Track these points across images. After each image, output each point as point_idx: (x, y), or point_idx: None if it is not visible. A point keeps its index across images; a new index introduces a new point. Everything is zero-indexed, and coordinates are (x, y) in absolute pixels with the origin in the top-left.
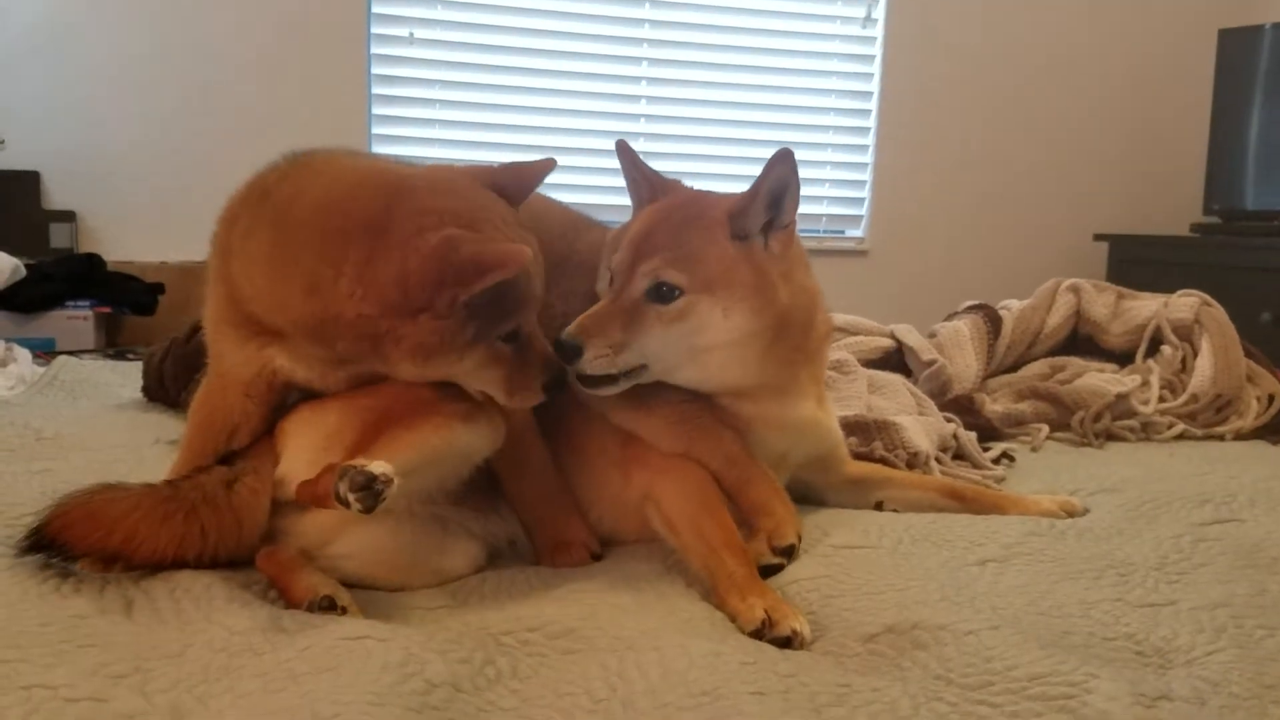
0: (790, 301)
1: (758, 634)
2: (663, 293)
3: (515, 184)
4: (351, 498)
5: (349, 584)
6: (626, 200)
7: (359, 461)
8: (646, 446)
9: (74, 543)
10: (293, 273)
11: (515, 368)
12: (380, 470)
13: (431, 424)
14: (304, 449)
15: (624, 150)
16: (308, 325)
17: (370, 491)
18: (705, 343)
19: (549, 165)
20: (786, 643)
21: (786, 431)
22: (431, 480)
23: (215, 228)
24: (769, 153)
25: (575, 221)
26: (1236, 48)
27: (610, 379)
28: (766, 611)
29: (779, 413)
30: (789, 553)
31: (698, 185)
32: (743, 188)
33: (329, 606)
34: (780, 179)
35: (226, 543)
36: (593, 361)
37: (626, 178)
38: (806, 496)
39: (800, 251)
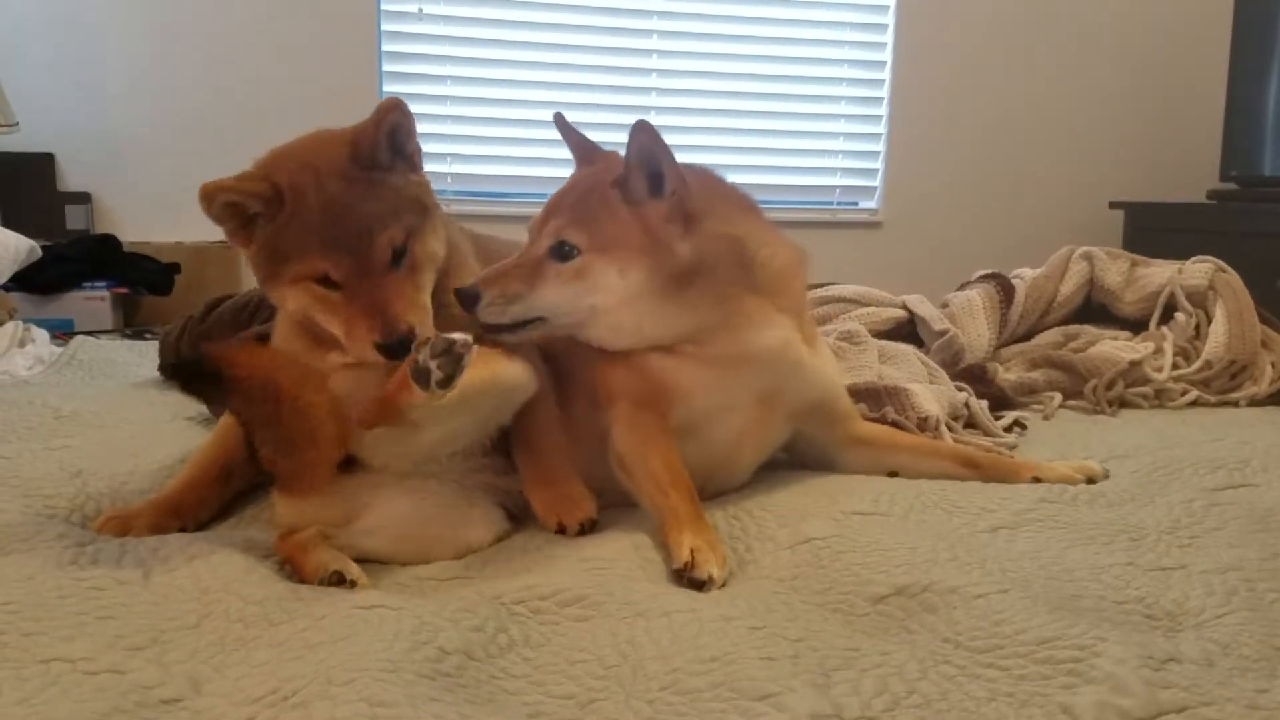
0: (698, 252)
1: (680, 574)
2: (563, 251)
3: (365, 137)
4: (433, 364)
5: (371, 562)
6: None
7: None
8: (613, 387)
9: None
10: None
11: (346, 315)
12: (459, 336)
13: (479, 359)
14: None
15: (559, 122)
16: None
17: (451, 356)
18: (606, 302)
19: (385, 105)
20: (701, 585)
21: (753, 365)
22: (477, 418)
23: None
24: (781, 124)
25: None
26: (1254, 9)
27: (507, 327)
28: (692, 552)
29: (735, 347)
30: None
31: (710, 157)
32: (752, 159)
33: (338, 581)
34: (641, 148)
35: None
36: (485, 309)
37: (568, 146)
38: (814, 459)
39: (718, 202)
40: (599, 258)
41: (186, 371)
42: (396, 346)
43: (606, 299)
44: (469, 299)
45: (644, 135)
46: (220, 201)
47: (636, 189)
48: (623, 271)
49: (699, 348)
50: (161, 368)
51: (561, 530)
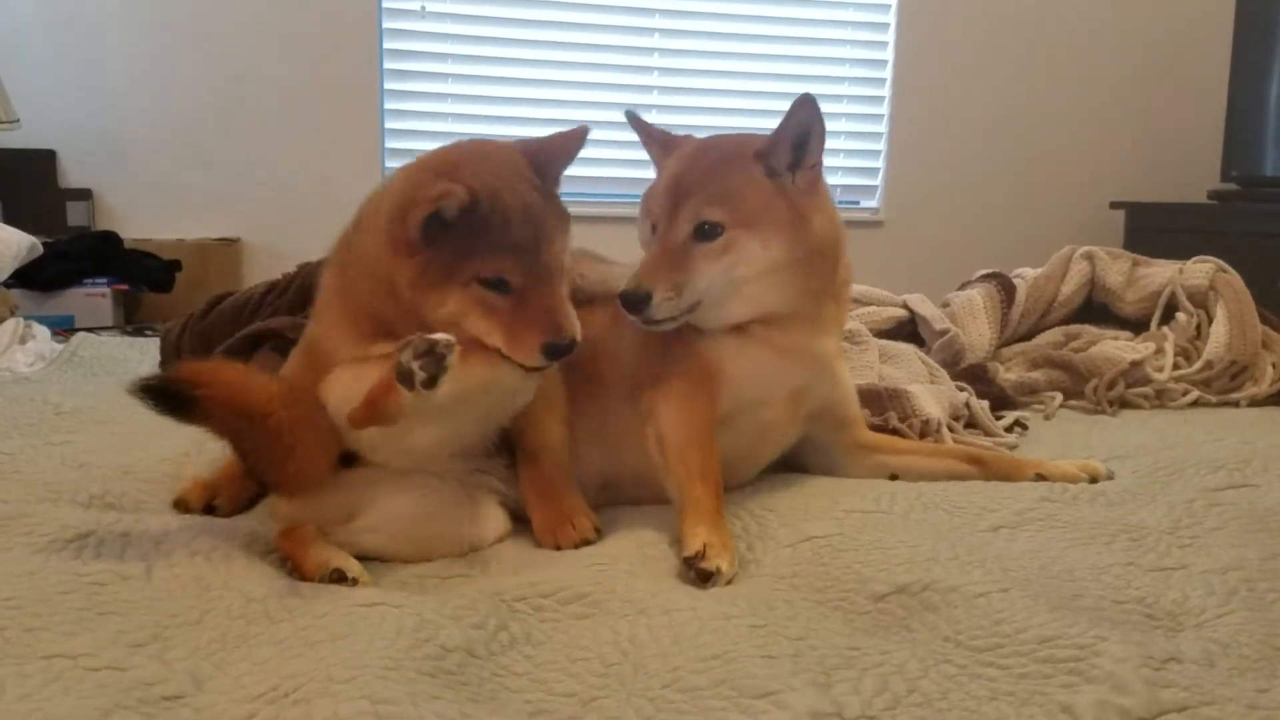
0: (822, 233)
1: (689, 563)
2: (706, 230)
3: (545, 153)
4: (415, 365)
5: (372, 559)
6: (635, 172)
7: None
8: (666, 367)
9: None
10: (366, 250)
11: (510, 320)
12: (441, 336)
13: (477, 358)
14: (353, 391)
15: (633, 120)
16: (376, 289)
17: (433, 357)
18: (746, 274)
19: (578, 134)
20: (709, 577)
21: (809, 363)
22: (478, 414)
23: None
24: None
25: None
26: (1255, 9)
27: (672, 319)
28: (704, 545)
29: (805, 343)
30: None
31: None
32: None
33: (339, 579)
34: (802, 124)
35: None
36: (660, 306)
37: (644, 144)
38: (818, 464)
39: (827, 191)
40: (744, 232)
41: (155, 393)
42: (564, 349)
43: (749, 270)
44: (638, 300)
45: (806, 111)
46: (424, 216)
47: (781, 162)
48: (765, 244)
49: (769, 330)
50: (130, 388)
51: (558, 549)
